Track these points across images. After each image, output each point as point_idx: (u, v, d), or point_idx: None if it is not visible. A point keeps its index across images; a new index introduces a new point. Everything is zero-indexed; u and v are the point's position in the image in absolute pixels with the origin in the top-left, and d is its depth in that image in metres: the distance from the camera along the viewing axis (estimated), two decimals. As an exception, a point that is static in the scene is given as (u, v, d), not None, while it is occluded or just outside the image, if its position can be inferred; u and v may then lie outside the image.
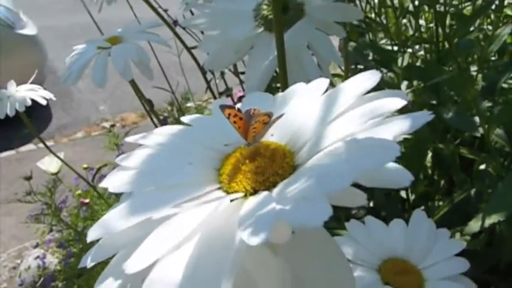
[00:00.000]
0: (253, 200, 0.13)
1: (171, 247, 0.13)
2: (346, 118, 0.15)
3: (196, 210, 0.14)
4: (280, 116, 0.17)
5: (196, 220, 0.14)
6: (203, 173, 0.16)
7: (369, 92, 0.16)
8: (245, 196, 0.15)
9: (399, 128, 0.13)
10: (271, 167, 0.15)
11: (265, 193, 0.14)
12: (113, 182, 0.16)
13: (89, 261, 0.15)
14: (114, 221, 0.14)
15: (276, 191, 0.13)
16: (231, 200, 0.14)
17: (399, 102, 0.14)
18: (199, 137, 0.18)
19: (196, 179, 0.16)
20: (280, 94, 0.20)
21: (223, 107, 0.17)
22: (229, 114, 0.17)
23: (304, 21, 0.29)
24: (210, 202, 0.14)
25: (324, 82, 0.18)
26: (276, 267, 0.14)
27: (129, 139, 0.18)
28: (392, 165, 0.12)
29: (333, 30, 0.32)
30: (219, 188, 0.15)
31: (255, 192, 0.15)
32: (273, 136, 0.17)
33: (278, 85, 0.46)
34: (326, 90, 0.18)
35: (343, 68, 0.35)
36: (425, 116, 0.13)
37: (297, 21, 0.29)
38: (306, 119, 0.16)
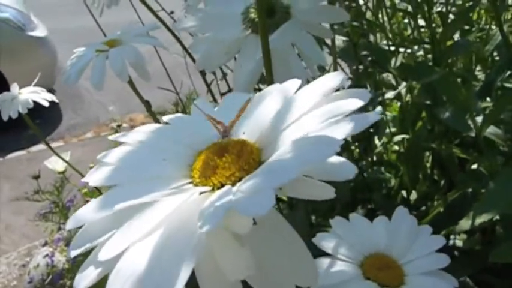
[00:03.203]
0: (216, 193, 0.14)
1: (140, 236, 0.14)
2: (307, 118, 0.16)
3: (166, 202, 0.15)
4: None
5: (165, 211, 0.15)
6: (176, 169, 0.17)
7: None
8: (213, 190, 0.16)
9: (349, 127, 0.13)
10: (237, 163, 0.16)
11: (227, 187, 0.15)
12: (93, 177, 0.17)
13: (71, 252, 0.16)
14: (90, 213, 0.15)
15: (238, 185, 0.14)
16: (200, 193, 0.15)
17: (357, 103, 0.15)
18: (177, 135, 0.19)
19: (169, 174, 0.17)
20: (257, 94, 0.21)
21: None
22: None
23: (289, 23, 0.30)
24: (180, 194, 0.15)
25: (296, 82, 0.19)
26: (242, 255, 0.15)
27: (112, 137, 0.19)
28: (337, 159, 0.13)
29: (321, 32, 0.32)
30: (190, 183, 0.17)
31: (222, 186, 0.16)
32: (244, 134, 0.18)
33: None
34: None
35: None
36: (373, 117, 0.14)
37: (283, 24, 0.29)
38: (273, 118, 0.17)
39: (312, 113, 0.15)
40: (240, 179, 0.15)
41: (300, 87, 0.19)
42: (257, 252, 0.15)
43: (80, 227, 0.16)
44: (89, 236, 0.16)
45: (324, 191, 0.17)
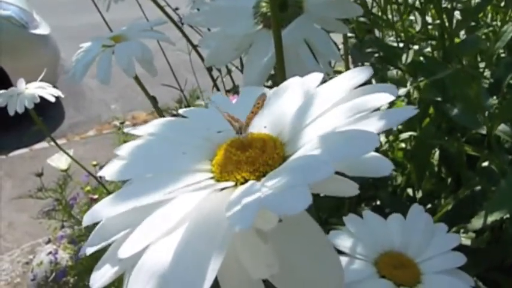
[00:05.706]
0: (241, 189, 0.14)
1: (162, 232, 0.14)
2: (334, 112, 0.15)
3: (188, 197, 0.15)
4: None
5: (187, 207, 0.14)
6: (197, 163, 0.17)
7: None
8: (235, 185, 0.15)
9: (382, 122, 0.13)
10: (261, 157, 0.15)
11: (252, 182, 0.14)
12: (109, 171, 0.17)
13: (87, 248, 0.16)
14: (108, 207, 0.15)
15: (263, 180, 0.14)
16: (222, 189, 0.15)
17: (387, 98, 0.15)
18: (194, 128, 0.18)
19: (189, 168, 0.16)
20: (275, 88, 0.20)
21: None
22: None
23: (302, 17, 0.29)
24: (201, 190, 0.15)
25: (318, 76, 0.19)
26: (264, 253, 0.14)
27: (126, 130, 0.19)
28: (373, 155, 0.13)
29: (335, 27, 0.32)
30: (212, 178, 0.16)
31: (245, 181, 0.15)
32: (266, 128, 0.18)
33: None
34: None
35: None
36: (409, 111, 0.13)
37: (295, 18, 0.29)
38: (297, 112, 0.17)
39: (338, 108, 0.15)
40: (264, 174, 0.15)
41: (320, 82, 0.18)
42: (281, 251, 0.14)
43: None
44: (106, 233, 0.15)
45: (348, 187, 0.16)
